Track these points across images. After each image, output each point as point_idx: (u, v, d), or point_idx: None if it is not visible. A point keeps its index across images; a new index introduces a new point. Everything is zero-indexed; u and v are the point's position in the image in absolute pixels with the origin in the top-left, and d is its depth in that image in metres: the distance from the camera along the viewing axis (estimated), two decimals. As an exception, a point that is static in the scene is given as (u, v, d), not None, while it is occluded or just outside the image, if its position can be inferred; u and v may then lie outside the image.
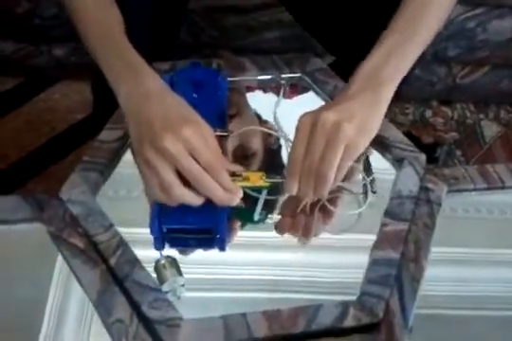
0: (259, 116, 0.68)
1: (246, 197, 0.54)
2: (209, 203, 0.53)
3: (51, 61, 1.17)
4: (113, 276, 0.53)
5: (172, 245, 0.55)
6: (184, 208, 0.53)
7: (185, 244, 0.55)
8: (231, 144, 0.61)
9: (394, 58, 0.55)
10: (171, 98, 0.54)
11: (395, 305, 0.52)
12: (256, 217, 0.57)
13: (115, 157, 0.62)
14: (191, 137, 0.50)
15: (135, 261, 0.54)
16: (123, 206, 0.61)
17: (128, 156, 0.62)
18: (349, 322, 0.50)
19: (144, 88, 0.54)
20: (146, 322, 0.51)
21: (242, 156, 0.62)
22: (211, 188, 0.50)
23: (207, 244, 0.55)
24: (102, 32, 0.59)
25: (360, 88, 0.54)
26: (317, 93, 0.70)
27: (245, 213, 0.58)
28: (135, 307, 0.51)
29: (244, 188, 0.54)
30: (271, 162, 0.64)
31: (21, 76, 1.22)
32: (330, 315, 0.51)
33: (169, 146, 0.49)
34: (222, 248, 0.55)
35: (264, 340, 0.50)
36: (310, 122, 0.52)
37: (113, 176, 0.62)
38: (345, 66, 0.71)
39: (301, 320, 0.51)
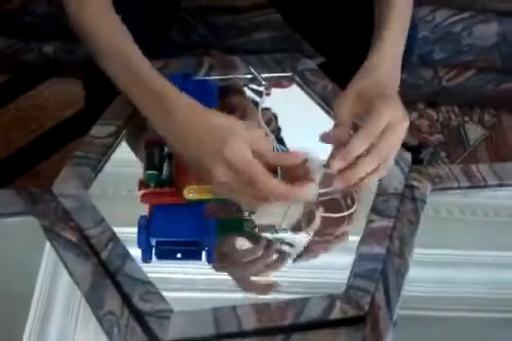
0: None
1: (233, 206, 0.54)
2: (196, 215, 0.55)
3: (41, 58, 1.17)
4: (105, 269, 0.54)
5: (159, 258, 0.56)
6: (172, 221, 0.54)
7: (173, 257, 0.56)
8: None
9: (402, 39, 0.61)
10: (207, 116, 0.52)
11: (381, 298, 0.53)
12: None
13: (106, 153, 0.63)
14: (234, 162, 0.49)
15: (126, 255, 0.55)
16: (110, 205, 0.61)
17: (116, 154, 0.63)
18: (336, 315, 0.52)
19: (175, 115, 0.53)
20: (137, 314, 0.52)
21: None
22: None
23: (195, 257, 0.55)
24: (117, 54, 0.57)
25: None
26: (306, 92, 0.71)
27: (233, 222, 0.59)
28: (126, 299, 0.52)
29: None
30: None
31: (10, 72, 1.22)
32: (317, 308, 0.52)
33: (222, 177, 0.49)
34: (210, 260, 0.55)
35: (253, 332, 0.51)
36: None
37: (100, 175, 0.62)
38: (335, 67, 0.73)
39: (290, 313, 0.52)
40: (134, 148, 0.65)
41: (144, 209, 0.57)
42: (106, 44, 0.58)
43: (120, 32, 0.59)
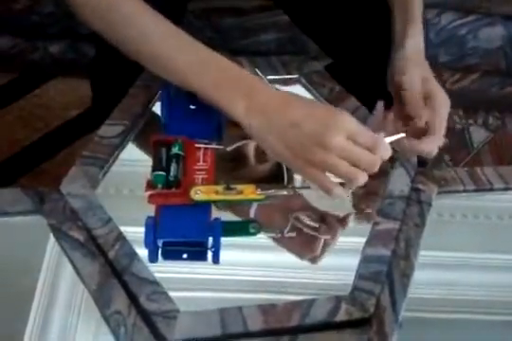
0: None
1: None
2: (202, 216, 0.55)
3: (47, 57, 1.17)
4: (112, 268, 0.54)
5: (165, 258, 0.56)
6: (178, 222, 0.54)
7: (179, 257, 0.56)
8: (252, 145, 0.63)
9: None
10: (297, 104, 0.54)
11: (386, 300, 0.53)
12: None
13: (114, 153, 0.63)
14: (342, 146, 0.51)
15: (133, 255, 0.55)
16: (117, 204, 0.61)
17: (123, 154, 0.63)
18: (341, 316, 0.52)
19: (264, 100, 0.54)
20: (144, 314, 0.52)
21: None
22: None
23: (200, 257, 0.56)
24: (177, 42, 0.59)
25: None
26: (313, 95, 0.71)
27: (239, 224, 0.59)
28: (133, 299, 0.53)
29: (237, 201, 0.56)
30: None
31: (16, 71, 1.22)
32: (323, 310, 0.52)
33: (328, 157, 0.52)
34: (216, 261, 0.55)
35: (259, 333, 0.52)
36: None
37: (108, 174, 0.62)
38: (341, 69, 0.73)
39: (296, 314, 0.52)
40: (141, 148, 0.66)
41: (151, 209, 0.57)
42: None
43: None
